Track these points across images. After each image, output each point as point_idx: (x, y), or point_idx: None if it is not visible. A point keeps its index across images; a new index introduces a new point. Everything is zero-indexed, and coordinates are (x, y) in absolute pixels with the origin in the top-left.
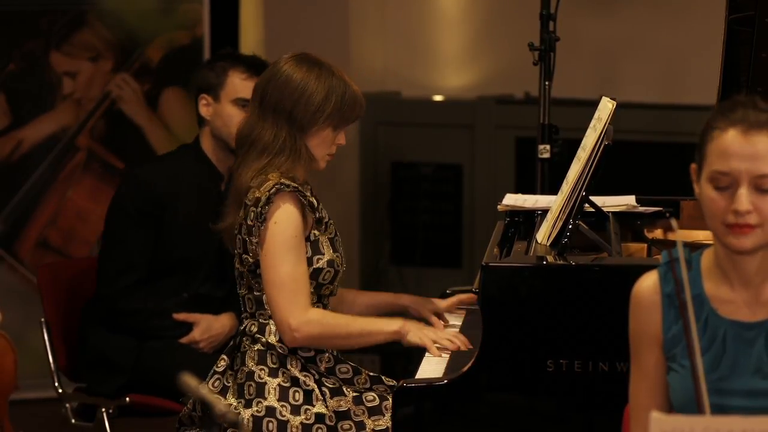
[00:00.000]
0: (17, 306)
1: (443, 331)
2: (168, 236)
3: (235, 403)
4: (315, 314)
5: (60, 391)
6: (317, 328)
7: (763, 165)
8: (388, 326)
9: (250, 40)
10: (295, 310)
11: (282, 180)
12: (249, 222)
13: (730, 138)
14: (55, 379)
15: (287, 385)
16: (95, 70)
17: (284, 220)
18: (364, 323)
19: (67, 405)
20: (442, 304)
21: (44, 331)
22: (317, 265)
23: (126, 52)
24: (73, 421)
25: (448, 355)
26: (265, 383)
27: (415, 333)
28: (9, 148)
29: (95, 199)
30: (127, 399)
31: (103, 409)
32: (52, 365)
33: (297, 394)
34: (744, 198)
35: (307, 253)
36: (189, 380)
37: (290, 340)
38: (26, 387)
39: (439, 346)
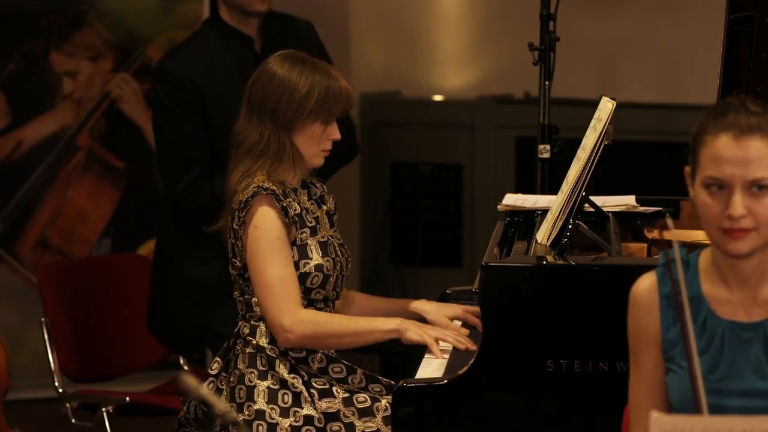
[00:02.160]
0: (17, 306)
1: (446, 329)
2: (216, 125)
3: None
4: (307, 314)
5: (60, 391)
6: (310, 327)
7: (756, 169)
8: (384, 324)
9: None
10: (286, 311)
11: (263, 183)
12: (234, 226)
13: (723, 143)
14: (55, 379)
15: (276, 387)
16: (95, 70)
17: (264, 224)
18: (359, 322)
19: (67, 405)
20: (458, 309)
21: (44, 331)
22: (304, 270)
23: (126, 51)
24: (73, 420)
25: (448, 355)
26: (255, 386)
27: (415, 330)
28: (9, 148)
29: (95, 199)
30: (127, 399)
31: (103, 409)
32: (52, 365)
33: (286, 396)
34: (738, 203)
35: (294, 257)
36: (189, 380)
37: (284, 341)
38: (26, 387)
39: (441, 344)
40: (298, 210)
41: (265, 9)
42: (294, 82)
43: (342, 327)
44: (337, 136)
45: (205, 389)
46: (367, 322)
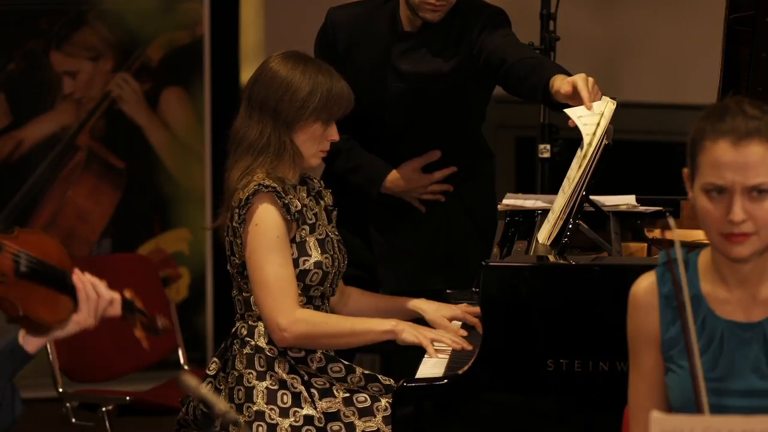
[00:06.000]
0: None
1: (443, 330)
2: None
3: None
4: (303, 313)
5: (60, 391)
6: (305, 326)
7: (756, 174)
8: (380, 325)
9: (250, 40)
10: (283, 310)
11: (264, 181)
12: (234, 224)
13: (721, 149)
14: (56, 379)
15: (275, 387)
16: (95, 70)
17: (264, 222)
18: (354, 322)
19: (68, 405)
20: (456, 309)
21: None
22: (303, 267)
23: (126, 51)
24: (73, 420)
25: (447, 356)
26: (254, 387)
27: (410, 332)
28: (9, 148)
29: (95, 199)
30: (127, 399)
31: (104, 409)
32: (52, 365)
33: (285, 396)
34: (738, 209)
35: (293, 254)
36: (189, 380)
37: (280, 340)
38: (26, 387)
39: (437, 345)
40: (299, 207)
41: (435, 20)
42: (297, 82)
43: (338, 327)
44: (336, 137)
45: (205, 389)
46: (363, 322)
